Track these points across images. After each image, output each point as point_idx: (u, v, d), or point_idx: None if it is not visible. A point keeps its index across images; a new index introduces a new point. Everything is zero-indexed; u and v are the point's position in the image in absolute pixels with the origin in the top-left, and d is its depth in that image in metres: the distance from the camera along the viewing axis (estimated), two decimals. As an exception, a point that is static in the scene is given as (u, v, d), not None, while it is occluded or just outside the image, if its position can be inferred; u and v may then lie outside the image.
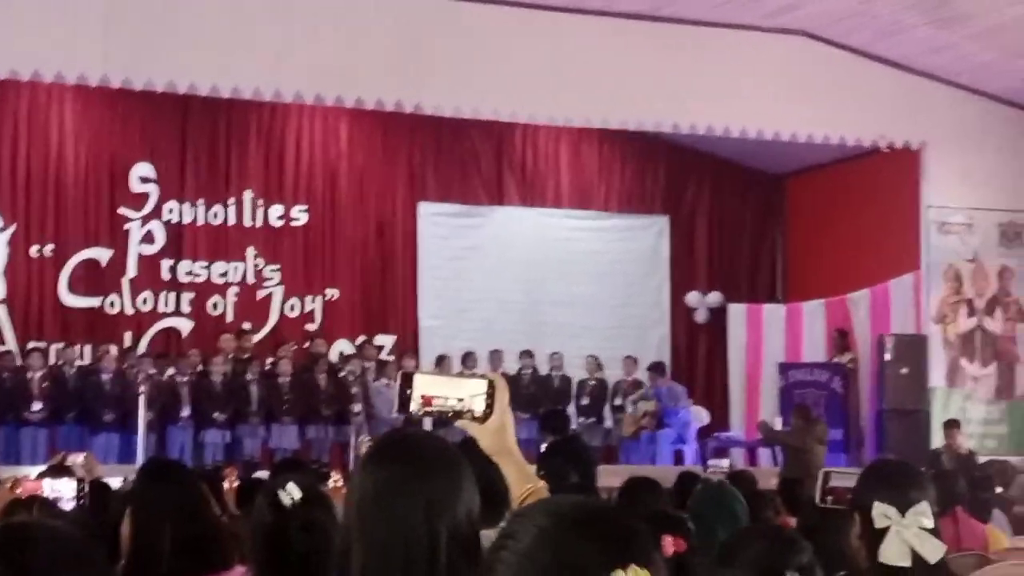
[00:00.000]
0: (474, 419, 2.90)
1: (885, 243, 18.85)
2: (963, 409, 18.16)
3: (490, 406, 2.90)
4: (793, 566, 2.86)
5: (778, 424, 17.13)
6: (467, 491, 2.70)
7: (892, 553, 3.57)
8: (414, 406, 2.89)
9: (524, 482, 2.96)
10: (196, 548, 4.50)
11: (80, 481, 6.02)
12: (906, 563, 3.57)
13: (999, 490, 9.72)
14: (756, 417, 19.69)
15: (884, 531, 3.61)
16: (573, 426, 17.54)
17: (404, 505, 2.63)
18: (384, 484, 2.66)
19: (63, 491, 5.97)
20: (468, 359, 18.42)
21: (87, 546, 2.02)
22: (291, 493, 3.69)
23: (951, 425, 16.98)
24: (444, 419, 2.97)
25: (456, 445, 2.98)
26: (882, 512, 3.61)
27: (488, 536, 2.80)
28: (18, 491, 5.62)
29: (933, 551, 3.58)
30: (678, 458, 18.08)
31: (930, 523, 3.62)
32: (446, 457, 2.74)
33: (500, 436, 2.94)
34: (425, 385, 2.90)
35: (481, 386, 2.92)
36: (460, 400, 2.90)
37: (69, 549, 2.00)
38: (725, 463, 15.81)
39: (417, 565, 2.58)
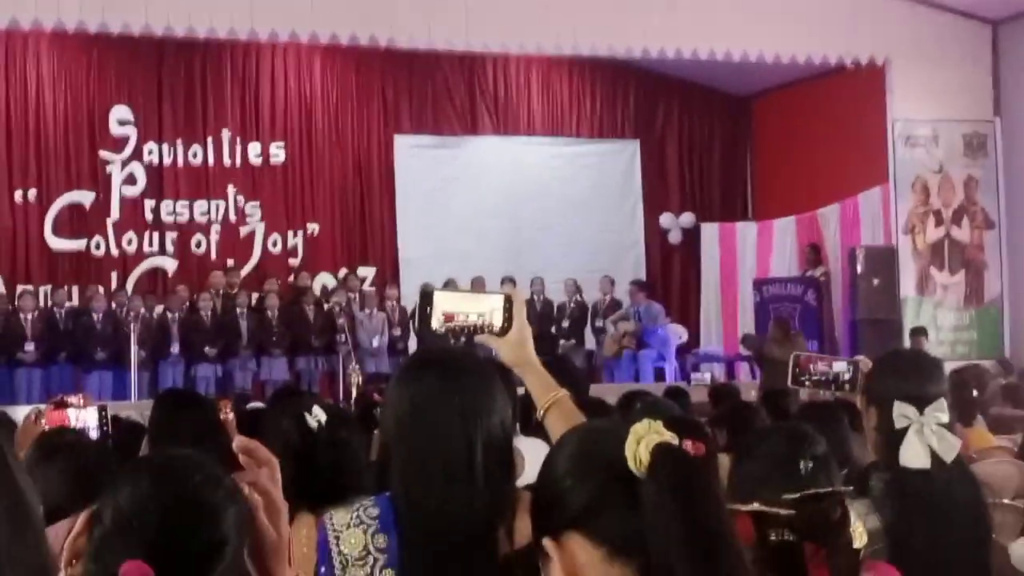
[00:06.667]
0: (494, 333, 2.96)
1: (852, 158, 19.12)
2: (934, 317, 18.51)
3: (508, 320, 2.96)
4: (807, 456, 2.94)
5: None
6: (500, 401, 2.80)
7: (912, 455, 3.63)
8: (435, 323, 2.93)
9: (547, 391, 3.02)
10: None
11: (102, 409, 6.28)
12: (926, 464, 3.62)
13: (975, 394, 9.96)
14: (733, 333, 20.09)
15: (903, 429, 3.66)
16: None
17: (441, 415, 2.73)
18: (421, 396, 2.77)
19: (88, 420, 6.23)
20: (448, 287, 18.55)
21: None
22: (317, 416, 3.89)
23: (917, 333, 17.38)
24: (465, 334, 3.02)
25: (488, 359, 3.12)
26: (901, 412, 3.66)
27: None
28: (43, 423, 5.77)
29: (949, 449, 3.64)
30: (659, 375, 18.33)
31: (946, 419, 3.67)
32: (479, 369, 2.85)
33: (521, 348, 3.00)
34: (445, 302, 2.95)
35: (499, 301, 2.98)
36: (480, 315, 2.96)
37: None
38: (707, 376, 16.25)
39: (455, 472, 2.70)
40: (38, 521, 1.36)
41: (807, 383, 4.52)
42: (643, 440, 1.79)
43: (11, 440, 5.54)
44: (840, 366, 4.70)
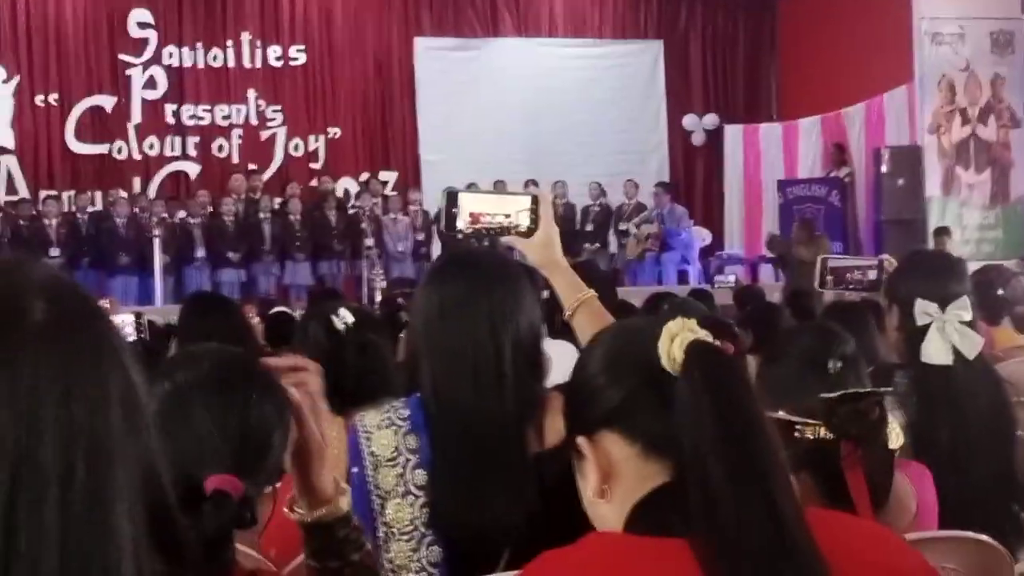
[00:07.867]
0: (520, 234, 2.95)
1: (877, 57, 18.92)
2: (959, 216, 18.40)
3: (535, 221, 2.95)
4: (836, 356, 2.93)
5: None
6: (529, 304, 2.78)
7: (934, 351, 3.63)
8: (462, 223, 2.92)
9: (574, 292, 3.00)
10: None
11: (139, 315, 6.28)
12: (948, 361, 3.62)
13: (1000, 292, 9.87)
14: (756, 235, 20.03)
15: (924, 327, 3.67)
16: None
17: (469, 318, 2.72)
18: (449, 299, 2.75)
19: (122, 325, 6.22)
20: (471, 190, 18.43)
21: None
22: (344, 318, 3.86)
23: (941, 232, 17.26)
24: (492, 235, 3.02)
25: (517, 261, 3.09)
26: (923, 309, 3.66)
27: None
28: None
29: (972, 346, 3.64)
30: (682, 278, 18.32)
31: (968, 316, 3.67)
32: (507, 272, 2.82)
33: (547, 249, 2.98)
34: (471, 203, 2.94)
35: (525, 202, 2.96)
36: (507, 216, 2.94)
37: None
38: (732, 278, 16.23)
39: (484, 374, 2.69)
40: (149, 421, 1.34)
41: (836, 285, 4.50)
42: (677, 338, 1.77)
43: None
44: (872, 274, 4.66)
